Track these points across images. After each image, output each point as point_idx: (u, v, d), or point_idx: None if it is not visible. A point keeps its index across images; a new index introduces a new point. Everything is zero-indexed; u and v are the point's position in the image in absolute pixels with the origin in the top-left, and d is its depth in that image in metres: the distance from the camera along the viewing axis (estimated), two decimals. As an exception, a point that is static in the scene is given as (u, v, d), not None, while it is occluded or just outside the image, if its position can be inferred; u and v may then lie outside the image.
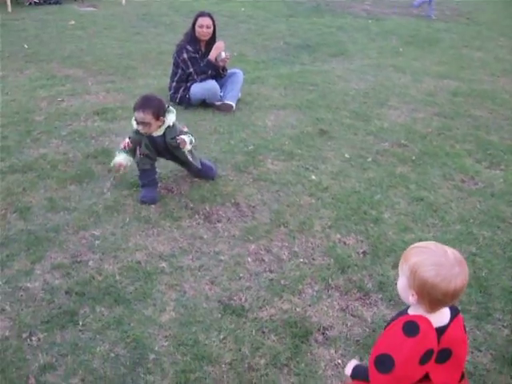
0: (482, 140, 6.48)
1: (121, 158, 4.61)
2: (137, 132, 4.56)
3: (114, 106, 6.65)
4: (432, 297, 1.96)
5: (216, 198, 4.74)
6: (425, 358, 1.99)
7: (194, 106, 6.71)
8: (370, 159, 5.72)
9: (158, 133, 4.57)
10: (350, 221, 4.57)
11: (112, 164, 4.66)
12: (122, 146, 4.63)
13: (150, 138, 4.57)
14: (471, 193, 5.21)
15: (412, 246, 2.09)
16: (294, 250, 4.16)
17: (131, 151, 4.62)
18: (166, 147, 4.67)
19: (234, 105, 6.70)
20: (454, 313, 2.09)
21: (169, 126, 4.58)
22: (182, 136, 4.58)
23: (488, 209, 4.94)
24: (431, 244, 2.05)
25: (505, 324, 3.61)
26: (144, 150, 4.56)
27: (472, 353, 3.35)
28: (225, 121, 6.33)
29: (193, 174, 5.05)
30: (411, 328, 1.98)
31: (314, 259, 4.07)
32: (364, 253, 4.18)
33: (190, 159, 4.80)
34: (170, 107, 4.66)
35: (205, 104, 6.75)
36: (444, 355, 2.05)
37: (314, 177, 5.20)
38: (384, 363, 2.02)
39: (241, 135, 5.94)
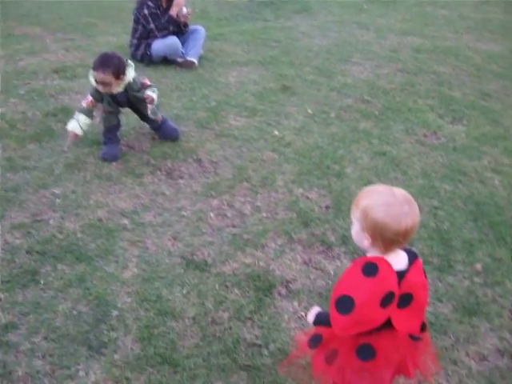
0: (445, 96, 6.50)
1: (74, 127, 4.51)
2: (97, 90, 4.46)
3: (74, 63, 6.50)
4: (384, 237, 1.96)
5: (178, 154, 4.69)
6: (386, 301, 1.99)
7: (155, 63, 6.60)
8: (332, 115, 5.70)
9: (119, 89, 4.47)
10: (312, 175, 4.56)
11: (67, 128, 4.55)
12: (84, 103, 4.52)
13: (112, 95, 4.48)
14: (433, 147, 5.24)
15: (361, 191, 2.09)
16: (257, 204, 4.15)
17: (90, 111, 4.54)
18: (129, 101, 4.62)
19: (196, 61, 6.61)
20: (413, 257, 2.09)
21: (129, 82, 4.48)
22: (149, 93, 4.54)
23: (450, 163, 4.98)
24: (379, 186, 2.06)
25: (466, 275, 3.67)
26: (107, 107, 4.51)
27: (433, 303, 3.40)
28: (187, 77, 6.24)
29: (154, 130, 4.97)
30: (371, 269, 1.97)
31: (276, 214, 4.07)
32: (327, 207, 4.19)
33: (150, 114, 4.73)
34: (129, 61, 4.56)
35: (166, 61, 6.65)
36: (405, 300, 2.05)
37: (276, 132, 5.17)
38: (344, 304, 2.01)
39: (203, 92, 5.87)
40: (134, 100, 4.61)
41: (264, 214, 4.05)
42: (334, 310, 2.06)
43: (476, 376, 2.97)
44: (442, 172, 4.82)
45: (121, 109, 4.68)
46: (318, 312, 2.29)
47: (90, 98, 4.50)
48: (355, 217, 2.04)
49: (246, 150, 4.87)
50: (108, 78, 4.30)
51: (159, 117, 4.84)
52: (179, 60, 6.60)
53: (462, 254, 3.85)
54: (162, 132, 4.91)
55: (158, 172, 4.44)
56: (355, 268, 2.02)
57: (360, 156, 4.95)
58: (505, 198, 4.56)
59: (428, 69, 7.41)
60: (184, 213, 4.00)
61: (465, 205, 4.40)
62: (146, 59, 6.59)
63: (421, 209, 4.06)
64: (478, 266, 3.75)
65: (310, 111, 5.72)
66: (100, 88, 4.39)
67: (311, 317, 2.29)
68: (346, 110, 5.86)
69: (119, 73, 4.36)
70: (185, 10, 6.59)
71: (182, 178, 4.40)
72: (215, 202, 4.13)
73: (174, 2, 6.56)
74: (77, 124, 4.49)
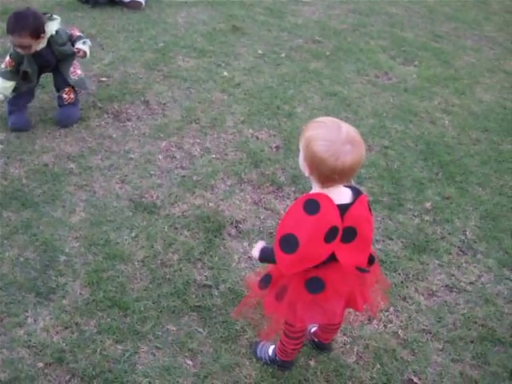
0: (397, 37, 6.47)
1: None
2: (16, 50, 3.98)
3: (16, 5, 6.09)
4: (320, 172, 1.94)
5: (125, 96, 4.58)
6: (329, 236, 1.99)
7: (101, 4, 6.36)
8: (283, 55, 5.62)
9: (42, 45, 3.99)
10: (262, 116, 4.52)
11: None
12: (3, 65, 4.06)
13: (34, 54, 4.01)
14: (385, 88, 5.23)
15: (311, 120, 2.05)
16: (206, 146, 4.10)
17: (10, 72, 4.05)
18: (54, 57, 4.12)
19: (143, 2, 6.40)
20: (357, 193, 2.08)
21: (52, 36, 3.99)
22: (80, 45, 4.09)
23: (401, 103, 4.99)
24: (329, 119, 2.01)
25: (415, 213, 3.71)
26: (26, 67, 4.00)
27: (383, 241, 3.44)
28: (134, 18, 6.05)
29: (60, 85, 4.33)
30: (311, 205, 1.96)
31: (226, 154, 4.03)
32: (277, 147, 4.16)
33: (72, 79, 4.23)
34: (53, 15, 4.06)
35: (113, 2, 6.41)
36: (349, 234, 2.05)
37: (226, 73, 5.08)
38: (288, 243, 2.01)
39: (151, 33, 5.70)
40: (60, 56, 4.12)
41: (213, 156, 4.01)
42: (278, 249, 2.05)
43: (425, 311, 3.03)
44: (392, 112, 4.82)
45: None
46: (263, 247, 2.27)
47: (7, 58, 4.05)
48: (301, 145, 2.01)
49: (195, 92, 4.77)
50: (26, 40, 3.82)
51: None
52: (126, 0, 6.39)
53: (412, 193, 3.88)
54: (60, 113, 4.29)
55: (105, 115, 4.33)
56: (297, 206, 2.00)
57: (310, 96, 4.91)
58: (454, 137, 4.60)
59: (380, 10, 7.33)
60: (132, 155, 3.93)
61: (415, 144, 4.42)
62: (91, 0, 6.35)
63: (371, 148, 4.15)
64: (428, 205, 3.79)
65: (260, 52, 5.63)
66: (20, 50, 3.92)
67: (256, 252, 2.27)
68: (297, 50, 5.78)
69: (38, 32, 3.86)
70: None
71: (129, 120, 4.31)
72: (164, 144, 4.07)
73: None
74: None
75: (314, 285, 2.15)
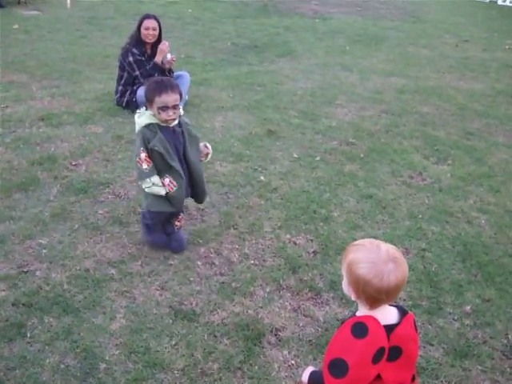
0: (429, 136, 6.57)
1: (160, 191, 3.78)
2: (149, 127, 3.66)
3: (60, 111, 6.52)
4: (367, 294, 1.96)
5: (165, 202, 4.67)
6: (377, 357, 1.99)
7: (140, 110, 6.62)
8: (318, 158, 5.74)
9: (175, 122, 3.75)
10: (299, 220, 4.57)
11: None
12: (143, 166, 3.66)
13: (166, 130, 3.70)
14: (419, 189, 5.27)
15: (349, 244, 2.08)
16: (245, 251, 4.14)
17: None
18: (183, 144, 3.81)
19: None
20: (403, 312, 2.09)
21: (180, 115, 3.80)
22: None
23: (436, 204, 5.01)
24: (366, 241, 2.05)
25: (455, 317, 3.66)
26: (159, 149, 3.62)
27: (424, 347, 3.39)
28: (172, 123, 6.26)
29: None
30: (360, 329, 1.97)
31: (264, 260, 4.07)
32: (314, 252, 4.19)
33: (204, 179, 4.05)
34: None
35: (151, 108, 6.66)
36: (394, 353, 2.04)
37: (262, 177, 5.19)
38: (338, 367, 2.00)
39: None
40: (188, 142, 3.82)
41: (252, 261, 4.05)
42: (327, 373, 2.04)
43: (470, 421, 2.95)
44: (428, 213, 4.84)
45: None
46: (312, 371, 2.28)
47: (142, 155, 3.65)
48: (343, 270, 2.04)
49: (233, 196, 4.87)
50: (177, 97, 3.61)
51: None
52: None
53: (451, 296, 3.85)
54: (175, 239, 4.14)
55: (145, 220, 4.42)
56: (345, 329, 2.01)
57: (346, 199, 4.97)
58: (492, 237, 4.58)
59: (412, 109, 7.49)
60: (171, 261, 3.98)
61: (452, 246, 4.41)
62: (131, 106, 6.60)
63: (408, 251, 4.15)
64: (468, 308, 3.75)
65: (295, 155, 5.75)
66: (170, 114, 3.60)
67: (305, 376, 2.27)
68: (331, 152, 5.90)
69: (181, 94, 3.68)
70: (169, 56, 6.63)
71: (168, 225, 4.38)
72: (202, 250, 4.12)
73: (159, 49, 6.62)
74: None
75: None
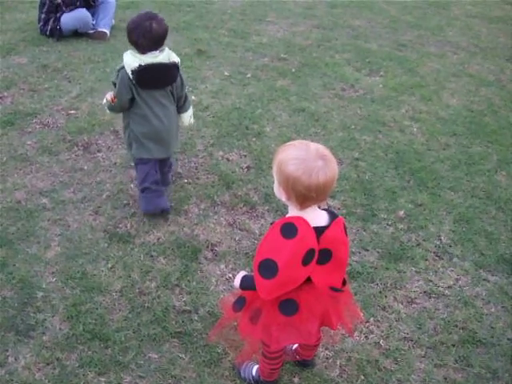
0: (361, 49, 6.55)
1: None
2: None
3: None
4: (296, 191, 1.93)
5: (94, 127, 4.58)
6: (307, 258, 2.00)
7: (66, 37, 6.38)
8: (249, 75, 5.67)
9: None
10: (232, 137, 4.55)
11: None
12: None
13: None
14: (352, 100, 5.28)
15: (279, 146, 2.06)
16: (178, 171, 4.12)
17: None
18: None
19: (107, 32, 6.44)
20: (333, 216, 2.09)
21: None
22: None
23: (368, 114, 5.04)
24: (296, 141, 2.02)
25: (389, 223, 3.74)
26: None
27: (359, 253, 3.47)
28: (99, 49, 6.08)
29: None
30: (289, 229, 1.97)
31: (198, 178, 4.05)
32: (248, 167, 4.19)
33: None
34: None
35: (77, 33, 6.44)
36: (324, 256, 2.06)
37: (194, 97, 5.09)
38: (267, 268, 2.01)
39: (116, 62, 5.67)
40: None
41: (185, 180, 4.03)
42: (257, 275, 2.05)
43: (405, 319, 3.05)
44: (361, 124, 4.87)
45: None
46: (244, 275, 2.28)
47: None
48: (274, 171, 2.01)
49: (164, 117, 4.77)
50: None
51: None
52: (90, 32, 6.41)
53: (385, 202, 3.92)
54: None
55: (75, 148, 4.33)
56: (274, 230, 2.00)
57: (279, 114, 4.95)
58: (424, 144, 4.65)
59: (344, 23, 7.43)
60: (104, 186, 3.93)
61: (385, 154, 4.46)
62: (55, 34, 6.35)
63: (342, 161, 4.18)
64: (401, 213, 3.82)
65: (226, 73, 5.68)
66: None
67: (237, 281, 2.27)
68: (263, 69, 5.83)
69: None
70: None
71: (99, 151, 4.31)
72: (135, 173, 4.04)
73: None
74: None
75: (288, 307, 2.16)
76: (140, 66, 3.30)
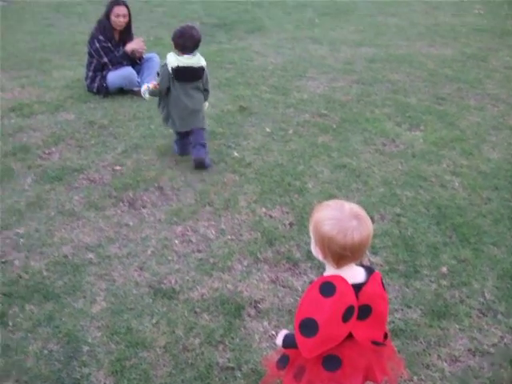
0: (401, 103, 6.60)
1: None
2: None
3: (30, 101, 6.45)
4: (332, 251, 1.99)
5: (139, 183, 4.69)
6: (347, 315, 2.02)
7: (111, 94, 6.60)
8: (291, 131, 5.76)
9: None
10: (274, 194, 4.60)
11: None
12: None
13: None
14: (392, 155, 5.31)
15: (315, 206, 2.12)
16: (221, 227, 4.17)
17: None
18: None
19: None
20: (370, 271, 2.13)
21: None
22: None
23: (410, 169, 5.05)
24: (331, 201, 2.09)
25: (432, 279, 3.71)
26: None
27: (402, 310, 3.44)
28: (144, 106, 6.25)
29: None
30: (328, 288, 2.01)
31: (241, 235, 4.09)
32: (290, 224, 4.22)
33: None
34: None
35: (123, 91, 6.65)
36: (364, 312, 2.09)
37: (236, 154, 5.20)
38: (308, 327, 2.04)
39: (161, 119, 5.87)
40: None
41: (228, 237, 4.07)
42: (298, 334, 2.08)
43: (449, 378, 3.00)
44: (402, 179, 4.89)
45: None
46: (286, 334, 2.31)
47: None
48: (310, 231, 2.08)
49: (207, 174, 4.88)
50: None
51: None
52: (136, 89, 6.60)
53: (428, 259, 3.90)
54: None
55: (121, 203, 4.43)
56: (313, 289, 2.05)
57: (320, 170, 5.00)
58: (465, 199, 4.64)
59: (383, 78, 7.52)
60: (149, 242, 4.00)
61: (427, 209, 4.46)
62: (102, 91, 6.57)
63: (383, 217, 4.20)
64: (444, 269, 3.80)
65: (268, 130, 5.77)
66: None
67: (280, 339, 2.31)
68: (304, 125, 5.92)
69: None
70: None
71: (144, 207, 4.40)
72: (179, 229, 4.14)
73: (134, 42, 6.62)
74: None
75: (331, 363, 2.17)
76: (178, 66, 4.73)
